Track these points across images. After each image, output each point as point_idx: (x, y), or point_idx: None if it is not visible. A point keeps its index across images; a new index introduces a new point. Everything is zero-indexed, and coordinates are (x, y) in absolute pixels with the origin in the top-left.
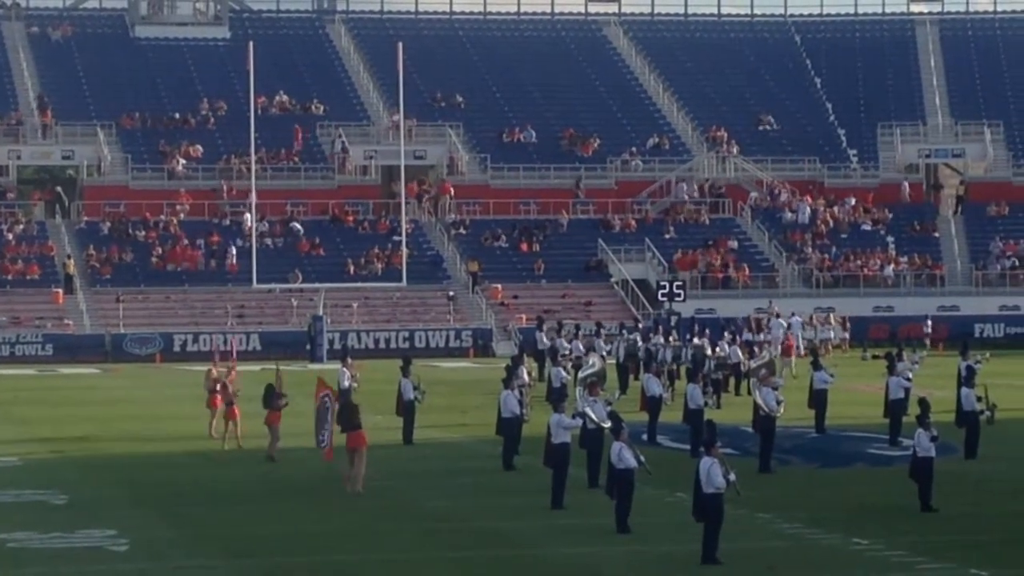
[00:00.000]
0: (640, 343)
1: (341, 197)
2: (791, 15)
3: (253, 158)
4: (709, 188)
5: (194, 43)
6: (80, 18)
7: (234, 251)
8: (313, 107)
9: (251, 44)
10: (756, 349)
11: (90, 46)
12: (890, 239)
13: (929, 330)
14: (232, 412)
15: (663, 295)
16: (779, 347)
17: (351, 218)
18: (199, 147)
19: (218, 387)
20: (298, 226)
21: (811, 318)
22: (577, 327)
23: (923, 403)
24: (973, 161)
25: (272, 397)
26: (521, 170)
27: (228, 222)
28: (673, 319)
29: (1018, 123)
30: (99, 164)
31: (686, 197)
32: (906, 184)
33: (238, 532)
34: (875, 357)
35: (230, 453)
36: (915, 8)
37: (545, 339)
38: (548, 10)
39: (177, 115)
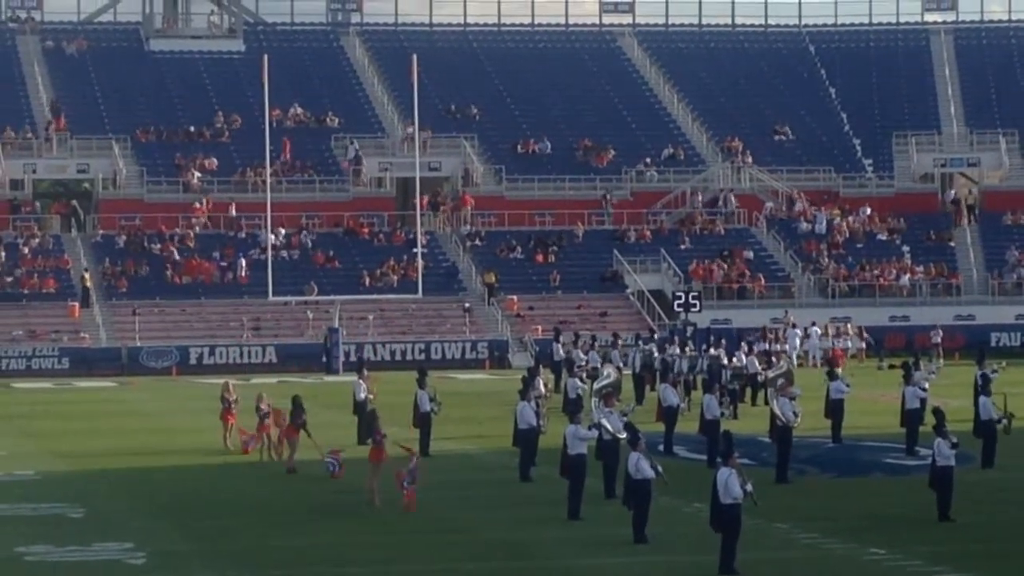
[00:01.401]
0: (656, 354)
1: (356, 209)
2: (805, 25)
3: (268, 171)
4: (723, 198)
5: (209, 56)
6: (95, 32)
7: (243, 263)
8: (328, 119)
9: (266, 57)
10: (774, 359)
11: (105, 60)
12: (906, 248)
13: (939, 339)
14: (265, 427)
15: (679, 306)
16: (795, 357)
17: (366, 230)
18: (214, 160)
19: (264, 407)
20: (307, 238)
21: (825, 328)
22: (593, 338)
23: (938, 412)
24: (988, 170)
25: (297, 411)
26: (536, 181)
27: (244, 235)
28: (689, 330)
29: None
30: (114, 177)
31: (735, 206)
32: (952, 192)
33: (254, 545)
34: (891, 367)
35: (247, 466)
36: (929, 17)
37: (561, 350)
38: (562, 21)
39: (192, 128)
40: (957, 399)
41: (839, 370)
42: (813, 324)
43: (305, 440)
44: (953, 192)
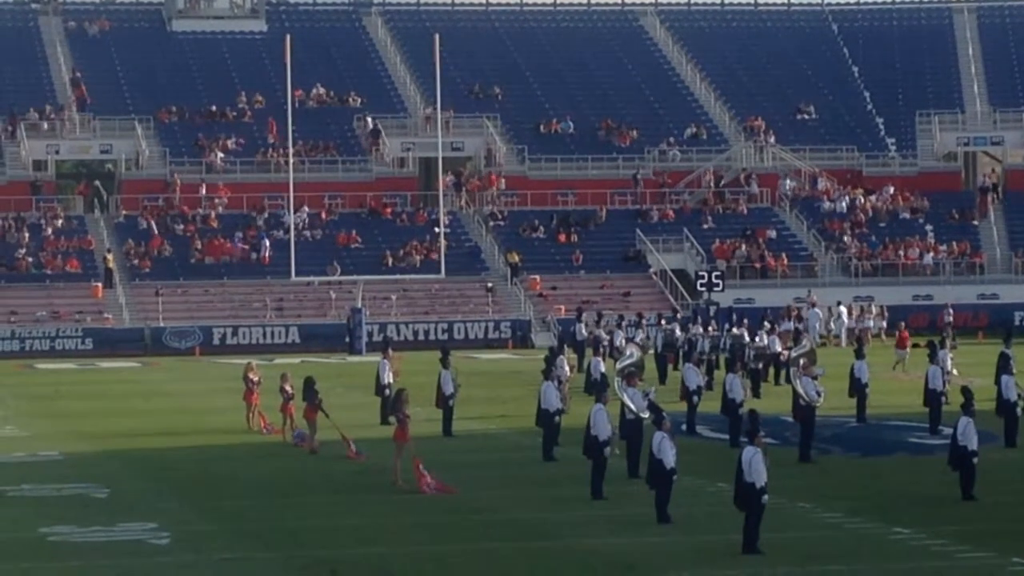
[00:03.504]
0: (678, 333)
1: (379, 189)
2: (828, 4)
3: (291, 151)
4: (746, 178)
5: (231, 36)
6: (117, 12)
7: (267, 243)
8: (350, 99)
9: (288, 37)
10: (803, 339)
11: (127, 40)
12: (929, 227)
13: (950, 318)
14: (288, 408)
15: (701, 285)
16: (818, 336)
17: (389, 210)
18: (236, 140)
19: (288, 388)
20: (329, 218)
21: (849, 308)
22: (621, 317)
23: (966, 391)
24: (1012, 148)
25: (311, 392)
26: (559, 161)
27: (267, 215)
28: (712, 309)
29: None
30: (137, 158)
31: (788, 192)
32: (981, 179)
33: (278, 525)
34: (915, 346)
35: (271, 447)
36: None
37: (584, 330)
38: (585, 0)
39: (214, 108)
40: (984, 378)
41: (907, 351)
42: (839, 304)
43: (323, 420)
44: (981, 179)
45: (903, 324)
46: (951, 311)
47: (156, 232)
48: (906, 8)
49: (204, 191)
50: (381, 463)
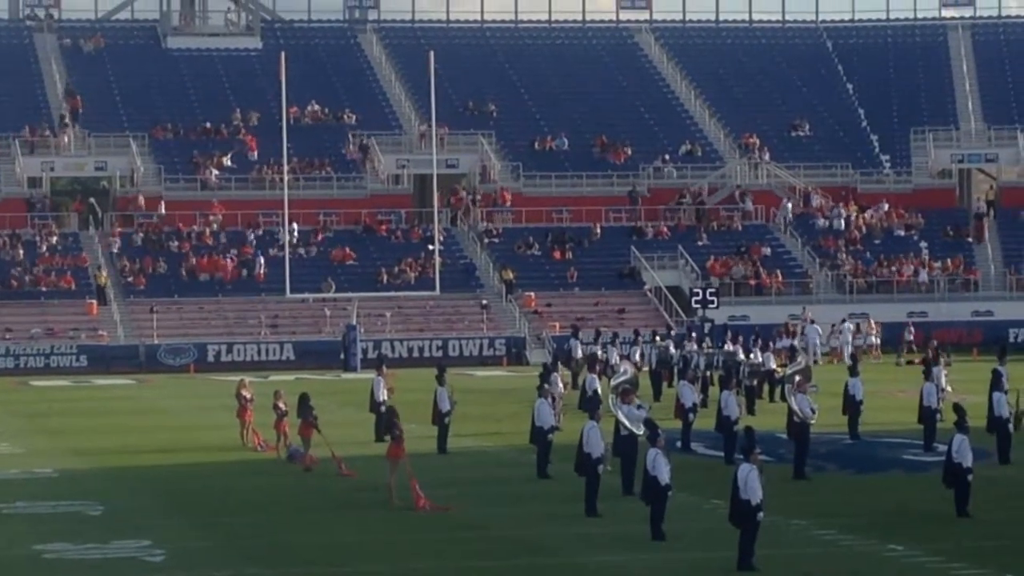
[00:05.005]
0: (673, 350)
1: (373, 206)
2: (823, 21)
3: (286, 168)
4: (740, 195)
5: (226, 53)
6: (112, 29)
7: (262, 260)
8: (345, 116)
9: (283, 54)
10: (799, 357)
11: (122, 57)
12: (923, 244)
13: (911, 336)
14: (282, 425)
15: (696, 302)
16: (815, 353)
17: (384, 227)
18: (231, 157)
19: (281, 405)
20: (324, 235)
21: (857, 325)
22: (615, 335)
23: (959, 409)
24: (1006, 165)
25: (306, 409)
26: (553, 178)
27: (262, 232)
28: (707, 326)
29: None
30: (132, 175)
31: (789, 215)
32: (977, 204)
33: (273, 542)
34: (909, 363)
35: (266, 464)
36: (947, 13)
37: (579, 348)
38: (579, 17)
39: (209, 125)
40: (978, 395)
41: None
42: (844, 320)
43: (316, 437)
44: (976, 204)
45: (935, 342)
46: (912, 329)
47: (147, 249)
48: (900, 25)
49: (163, 207)
50: (375, 480)
